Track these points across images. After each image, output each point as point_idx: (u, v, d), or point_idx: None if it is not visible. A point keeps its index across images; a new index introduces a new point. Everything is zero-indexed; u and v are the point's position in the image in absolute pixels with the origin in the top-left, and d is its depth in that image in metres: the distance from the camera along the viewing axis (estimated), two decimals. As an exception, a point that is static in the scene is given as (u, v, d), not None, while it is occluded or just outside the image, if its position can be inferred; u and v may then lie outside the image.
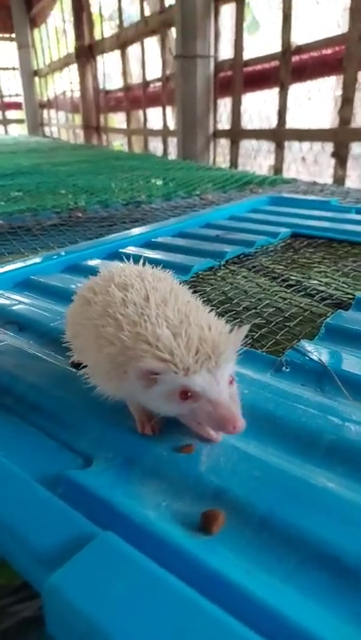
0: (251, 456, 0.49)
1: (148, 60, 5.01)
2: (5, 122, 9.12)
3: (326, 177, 3.17)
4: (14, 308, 0.90)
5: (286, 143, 3.42)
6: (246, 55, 3.57)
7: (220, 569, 0.37)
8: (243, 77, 3.63)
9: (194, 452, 0.50)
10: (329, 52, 2.92)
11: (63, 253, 1.21)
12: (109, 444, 0.53)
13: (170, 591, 0.35)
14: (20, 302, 0.94)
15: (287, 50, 3.15)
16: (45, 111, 8.89)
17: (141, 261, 0.64)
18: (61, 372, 0.67)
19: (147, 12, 4.80)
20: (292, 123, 3.32)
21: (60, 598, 0.34)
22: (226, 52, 3.76)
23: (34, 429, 0.57)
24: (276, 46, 3.25)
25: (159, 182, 2.58)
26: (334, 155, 3.03)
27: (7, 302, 0.94)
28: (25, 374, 0.66)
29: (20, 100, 9.02)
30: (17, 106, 9.14)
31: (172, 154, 4.66)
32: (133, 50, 5.33)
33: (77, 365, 0.67)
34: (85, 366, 0.58)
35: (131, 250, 1.29)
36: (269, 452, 0.50)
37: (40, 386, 0.63)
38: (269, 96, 3.47)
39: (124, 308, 0.52)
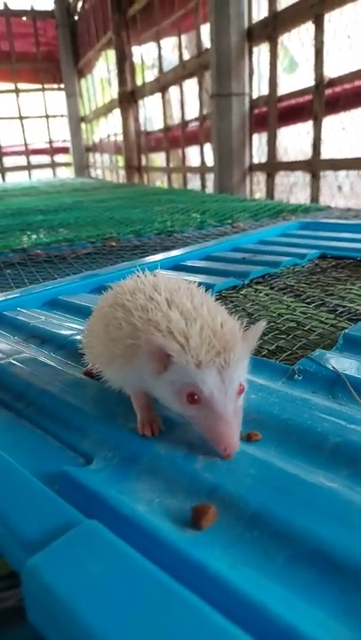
0: (250, 455, 0.47)
1: (187, 101, 5.21)
2: (54, 165, 9.61)
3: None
4: (38, 324, 0.93)
5: (322, 174, 3.43)
6: (282, 91, 3.64)
7: (203, 562, 0.36)
8: (277, 112, 3.70)
9: (190, 451, 0.49)
10: (362, 83, 2.95)
11: (89, 276, 1.24)
12: (110, 444, 0.53)
13: (148, 578, 0.34)
14: (44, 319, 0.97)
15: (320, 83, 3.20)
16: (91, 154, 9.33)
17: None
18: (72, 380, 0.68)
19: (185, 57, 5.02)
20: (326, 153, 3.33)
21: (38, 580, 0.34)
22: (263, 89, 3.86)
23: (41, 432, 0.58)
24: (309, 80, 3.31)
25: (194, 214, 2.63)
26: (371, 182, 3.01)
27: (33, 319, 0.97)
28: (38, 382, 0.67)
29: (68, 144, 9.53)
30: (65, 150, 9.64)
31: (210, 189, 4.75)
32: (173, 92, 5.57)
33: (89, 374, 0.69)
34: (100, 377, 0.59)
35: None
36: (271, 453, 0.49)
37: (50, 392, 0.64)
38: (304, 129, 3.51)
39: (131, 295, 0.53)
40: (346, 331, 0.77)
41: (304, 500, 0.41)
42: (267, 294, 1.09)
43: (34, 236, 2.22)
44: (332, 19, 3.06)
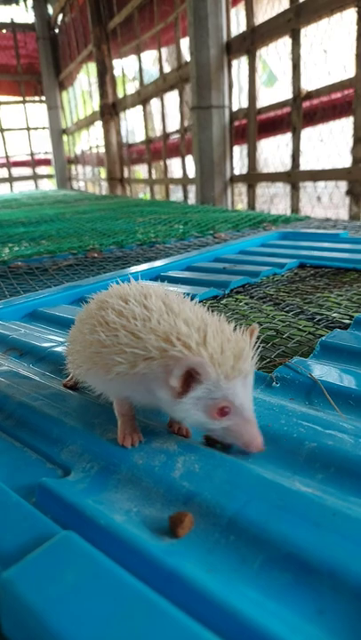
0: (227, 462, 0.48)
1: (168, 113, 5.26)
2: (36, 177, 9.60)
3: (343, 215, 3.19)
4: (18, 336, 0.93)
5: (302, 184, 3.48)
6: (261, 103, 3.71)
7: (179, 570, 0.36)
8: (257, 124, 3.76)
9: (168, 460, 0.49)
10: (338, 95, 3.01)
11: (71, 287, 1.24)
12: (89, 455, 0.53)
13: (124, 588, 0.34)
14: (24, 331, 0.96)
15: (298, 96, 3.27)
16: (73, 166, 9.35)
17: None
18: (51, 392, 0.67)
19: (166, 70, 5.08)
20: (305, 165, 3.39)
21: (13, 594, 0.34)
22: (243, 102, 3.92)
23: (19, 444, 0.58)
24: (287, 93, 3.37)
25: (176, 225, 2.65)
26: (349, 192, 3.06)
27: (12, 331, 0.96)
28: (16, 394, 0.67)
29: (50, 156, 9.53)
30: (47, 162, 9.65)
31: (192, 200, 4.79)
32: (154, 105, 5.62)
33: (68, 386, 0.69)
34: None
35: (138, 283, 1.31)
36: (248, 460, 0.49)
37: (29, 404, 0.64)
38: (283, 141, 3.57)
39: (118, 300, 0.51)
40: (322, 338, 0.78)
41: (280, 505, 0.41)
42: (247, 303, 1.11)
43: (15, 248, 2.21)
44: (308, 33, 3.13)
